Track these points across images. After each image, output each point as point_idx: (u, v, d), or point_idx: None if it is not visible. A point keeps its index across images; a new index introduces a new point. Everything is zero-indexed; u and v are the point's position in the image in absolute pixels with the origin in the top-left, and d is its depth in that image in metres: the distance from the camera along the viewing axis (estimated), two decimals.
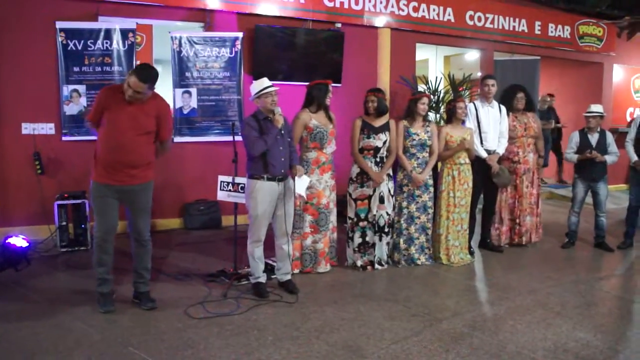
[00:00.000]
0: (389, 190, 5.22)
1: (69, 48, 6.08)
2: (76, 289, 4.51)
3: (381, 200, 5.17)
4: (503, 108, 5.95)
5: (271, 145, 4.33)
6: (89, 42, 6.14)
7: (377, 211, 5.17)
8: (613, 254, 6.12)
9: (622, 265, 5.77)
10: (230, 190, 4.71)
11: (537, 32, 9.23)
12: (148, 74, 3.85)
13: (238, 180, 4.65)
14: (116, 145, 3.90)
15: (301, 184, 4.50)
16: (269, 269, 4.74)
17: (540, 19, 9.24)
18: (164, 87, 7.96)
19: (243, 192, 4.60)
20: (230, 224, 6.76)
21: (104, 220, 3.99)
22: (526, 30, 9.10)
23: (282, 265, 4.62)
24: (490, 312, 4.28)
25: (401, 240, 5.39)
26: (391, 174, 5.28)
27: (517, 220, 6.19)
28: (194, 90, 6.69)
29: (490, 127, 5.81)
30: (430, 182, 5.40)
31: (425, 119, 5.42)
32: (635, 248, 6.32)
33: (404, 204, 5.36)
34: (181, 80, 6.64)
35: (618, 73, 10.71)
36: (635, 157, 6.07)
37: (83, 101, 6.15)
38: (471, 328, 3.92)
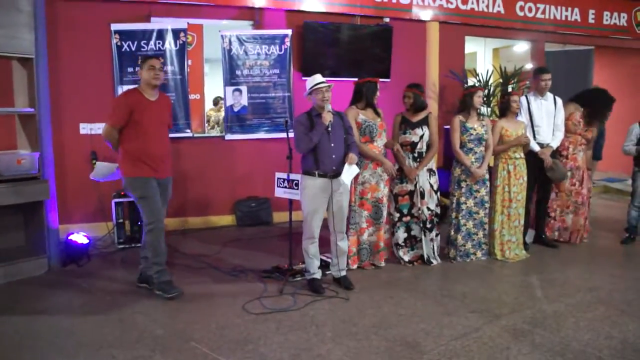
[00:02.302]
0: (431, 186, 5.15)
1: (123, 49, 6.24)
2: (134, 283, 4.62)
3: (422, 195, 5.11)
4: (559, 100, 5.78)
5: (321, 142, 4.33)
6: (142, 43, 6.28)
7: (419, 206, 5.12)
8: None
9: None
10: (285, 187, 4.74)
11: (590, 20, 8.92)
12: (153, 54, 4.63)
13: (293, 176, 4.67)
14: (152, 139, 4.27)
15: (348, 173, 4.39)
16: (324, 265, 4.74)
17: (594, 6, 8.92)
18: (215, 85, 8.19)
19: (297, 189, 4.62)
20: (281, 220, 6.88)
21: (157, 211, 4.31)
22: (579, 20, 8.80)
23: (337, 261, 4.62)
24: (549, 308, 4.16)
25: (459, 237, 5.31)
26: (434, 168, 5.20)
27: (553, 215, 6.04)
28: (244, 88, 6.76)
29: (544, 120, 5.66)
30: (487, 176, 5.30)
31: (479, 112, 5.32)
32: None
33: (462, 199, 5.27)
34: (232, 78, 6.72)
35: None
36: None
37: None
38: (531, 325, 3.84)
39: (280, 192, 4.83)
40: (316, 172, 4.38)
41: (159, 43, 6.31)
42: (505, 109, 5.45)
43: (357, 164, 4.44)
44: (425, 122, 5.09)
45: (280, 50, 6.80)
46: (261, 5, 6.75)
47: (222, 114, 8.66)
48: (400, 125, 5.15)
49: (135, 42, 6.25)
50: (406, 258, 5.21)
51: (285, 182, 4.74)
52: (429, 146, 5.11)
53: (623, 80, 10.24)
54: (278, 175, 4.84)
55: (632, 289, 4.63)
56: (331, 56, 7.04)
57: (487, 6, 7.98)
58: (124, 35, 6.22)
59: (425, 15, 7.61)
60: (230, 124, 6.80)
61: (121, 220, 5.90)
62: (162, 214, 4.39)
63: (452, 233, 5.35)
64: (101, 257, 5.56)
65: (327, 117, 4.34)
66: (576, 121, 5.87)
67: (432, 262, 5.21)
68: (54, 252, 5.07)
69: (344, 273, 4.64)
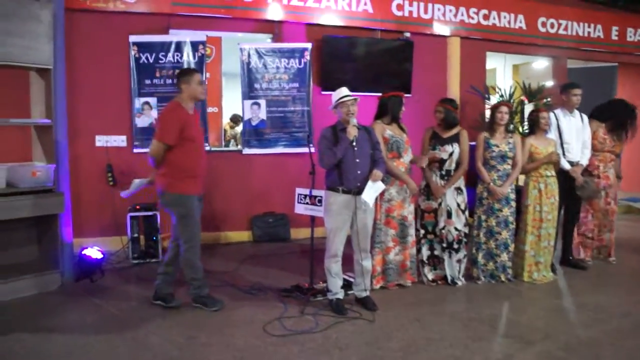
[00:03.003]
0: (459, 205, 4.96)
1: (141, 61, 6.16)
2: (149, 301, 4.46)
3: (449, 214, 4.93)
4: (585, 117, 5.63)
5: (345, 157, 4.18)
6: (160, 55, 6.20)
7: (444, 225, 4.94)
8: None
9: None
10: (307, 203, 4.58)
11: (614, 37, 8.76)
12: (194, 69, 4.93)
13: (315, 192, 4.51)
14: (200, 155, 4.28)
15: (371, 190, 4.17)
16: (346, 285, 4.56)
17: (618, 23, 8.77)
18: (233, 99, 8.06)
19: (320, 205, 4.46)
20: (299, 237, 6.73)
21: (198, 230, 4.28)
22: (602, 36, 8.65)
23: (360, 281, 4.44)
24: (584, 334, 3.95)
25: (480, 255, 5.13)
26: (462, 187, 5.02)
27: (590, 235, 5.86)
28: (262, 102, 6.65)
29: (573, 137, 5.49)
30: (512, 196, 5.10)
31: (507, 129, 5.15)
32: None
33: (483, 217, 5.10)
34: (250, 91, 6.61)
35: None
36: None
37: (154, 114, 6.19)
38: (567, 352, 3.64)
39: (300, 209, 4.67)
40: (340, 189, 4.22)
41: (177, 55, 6.23)
42: (534, 126, 5.29)
43: (383, 181, 4.28)
44: (455, 139, 4.93)
45: (300, 64, 6.70)
46: (280, 19, 6.66)
47: (239, 129, 8.62)
48: (430, 140, 4.98)
49: (154, 54, 6.17)
50: (430, 276, 5.03)
51: (307, 198, 4.59)
52: (457, 164, 4.94)
53: None
54: (299, 191, 4.69)
55: None
56: (351, 70, 6.92)
57: (509, 22, 7.86)
58: (142, 47, 6.14)
59: (446, 30, 7.50)
60: (248, 138, 6.67)
61: (136, 235, 5.75)
62: (200, 233, 4.35)
63: (474, 251, 5.16)
64: (115, 272, 5.40)
65: (352, 132, 4.19)
66: (601, 139, 5.69)
67: (456, 283, 5.02)
68: (67, 267, 4.94)
69: (367, 293, 4.46)
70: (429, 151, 4.94)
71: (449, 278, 5.01)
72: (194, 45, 6.25)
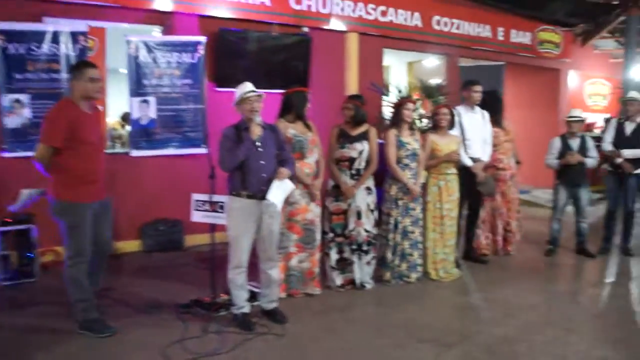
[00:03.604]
0: (368, 205, 4.80)
1: (9, 52, 5.36)
2: (26, 330, 3.85)
3: (358, 215, 4.76)
4: (486, 114, 5.71)
5: (249, 158, 3.83)
6: (32, 46, 5.44)
7: (354, 227, 4.76)
8: (595, 259, 5.97)
9: (609, 272, 5.57)
10: (207, 210, 4.17)
11: (500, 37, 9.14)
12: (91, 62, 4.11)
13: (216, 198, 4.12)
14: (96, 159, 3.84)
15: (278, 190, 3.82)
16: (251, 296, 4.21)
17: (503, 24, 9.16)
18: (119, 97, 7.33)
19: (222, 212, 4.08)
20: (195, 243, 6.28)
21: (85, 245, 3.76)
22: (490, 36, 8.99)
23: (268, 292, 4.12)
24: (499, 332, 3.93)
25: (394, 257, 4.98)
26: (372, 187, 4.87)
27: (509, 228, 6.02)
28: (152, 100, 6.09)
29: (475, 134, 5.55)
30: (421, 192, 5.04)
31: (411, 127, 5.06)
32: (613, 253, 6.20)
33: (399, 218, 4.95)
34: (138, 88, 6.02)
35: (573, 79, 10.82)
36: (624, 155, 5.89)
37: (27, 113, 5.44)
38: (488, 353, 3.58)
39: (198, 216, 4.26)
40: (244, 193, 3.87)
41: (53, 47, 5.51)
42: (436, 123, 5.25)
43: (291, 179, 3.96)
44: (365, 136, 4.74)
45: (193, 58, 6.22)
46: (171, 9, 6.12)
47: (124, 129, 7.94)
48: (338, 138, 4.75)
49: (24, 45, 5.40)
50: (338, 281, 4.81)
51: (207, 204, 4.18)
52: (367, 162, 4.76)
53: (535, 96, 10.62)
54: (195, 197, 4.28)
55: (568, 304, 4.60)
56: (247, 66, 6.54)
57: (405, 19, 7.89)
58: (10, 35, 5.34)
59: (345, 25, 7.35)
60: (136, 139, 6.09)
61: (6, 252, 5.00)
62: (90, 249, 3.79)
63: (389, 255, 4.98)
64: None
65: (256, 131, 3.85)
66: (493, 131, 5.80)
67: (365, 286, 4.85)
68: None
69: (275, 305, 4.15)
70: (338, 150, 4.72)
71: (358, 281, 4.83)
72: (74, 36, 5.57)
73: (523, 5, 9.26)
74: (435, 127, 5.26)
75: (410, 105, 4.99)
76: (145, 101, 6.07)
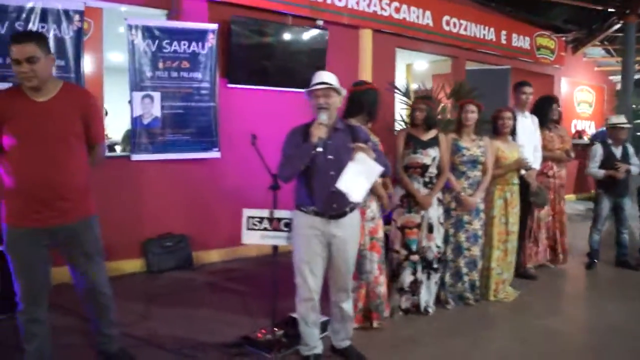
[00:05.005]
0: (438, 218, 4.21)
1: None
2: None
3: (430, 229, 4.15)
4: (535, 119, 5.27)
5: (317, 167, 3.05)
6: (17, 25, 4.47)
7: (425, 242, 4.15)
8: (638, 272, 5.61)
9: None
10: (265, 229, 3.40)
11: (503, 41, 8.80)
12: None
13: (279, 213, 3.36)
14: (36, 163, 2.71)
15: (353, 175, 2.87)
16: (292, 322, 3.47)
17: (506, 28, 8.84)
18: (119, 93, 6.23)
19: (287, 230, 3.34)
20: (206, 261, 5.53)
21: (30, 284, 2.82)
22: (494, 39, 8.63)
23: (340, 327, 3.39)
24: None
25: (447, 275, 4.41)
26: (442, 197, 4.28)
27: (556, 239, 5.59)
28: (156, 95, 5.22)
29: (527, 139, 5.08)
30: (482, 206, 4.46)
31: (476, 131, 4.49)
32: None
33: (452, 231, 4.39)
34: (141, 81, 5.15)
35: (564, 86, 10.68)
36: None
37: None
38: None
39: (254, 238, 3.46)
40: (310, 209, 3.12)
41: (42, 27, 4.56)
42: (497, 128, 4.72)
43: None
44: (436, 141, 4.13)
45: (203, 48, 5.39)
46: None
47: None
48: (407, 143, 4.11)
49: (7, 22, 4.43)
50: (404, 305, 4.18)
51: (266, 221, 3.42)
52: (439, 170, 4.16)
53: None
54: (249, 212, 3.48)
55: None
56: (263, 60, 5.82)
57: (418, 17, 7.36)
58: None
59: (360, 20, 6.72)
60: (137, 141, 5.19)
61: None
62: (42, 285, 2.85)
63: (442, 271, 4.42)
64: None
65: (316, 132, 2.96)
66: (549, 137, 5.37)
67: (428, 311, 4.23)
68: None
69: (349, 342, 3.43)
70: (409, 156, 4.08)
71: (423, 305, 4.21)
72: (68, 15, 4.64)
73: (524, 9, 8.98)
74: (496, 132, 4.72)
75: (471, 107, 4.42)
76: (148, 96, 5.19)
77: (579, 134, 10.86)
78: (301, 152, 3.02)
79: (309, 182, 3.09)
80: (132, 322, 3.91)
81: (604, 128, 7.03)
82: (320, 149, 2.97)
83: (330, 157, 3.05)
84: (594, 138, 10.22)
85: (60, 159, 2.76)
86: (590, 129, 11.37)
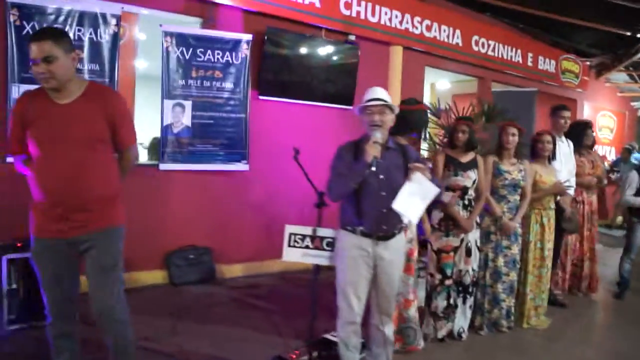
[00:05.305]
0: (476, 241, 4.11)
1: (24, 32, 4.31)
2: None
3: (468, 252, 4.04)
4: (571, 143, 5.17)
5: (368, 186, 2.94)
6: (54, 26, 4.41)
7: (463, 266, 4.04)
8: None
9: None
10: (307, 247, 3.30)
11: (529, 64, 8.73)
12: (39, 30, 2.74)
13: (322, 231, 3.26)
14: (53, 172, 2.55)
15: (409, 193, 2.78)
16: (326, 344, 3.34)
17: (532, 50, 8.77)
18: (145, 100, 6.15)
19: (330, 250, 3.23)
20: (228, 275, 5.43)
21: (54, 293, 2.68)
22: (521, 61, 8.56)
23: (380, 352, 3.26)
24: None
25: (485, 301, 4.29)
26: (479, 220, 4.17)
27: (582, 266, 5.48)
28: (188, 104, 5.14)
29: (563, 164, 4.97)
30: (520, 231, 4.36)
31: (517, 154, 4.39)
32: None
33: (491, 256, 4.28)
34: (173, 89, 5.07)
35: (587, 110, 10.59)
36: None
37: None
38: None
39: (295, 255, 3.37)
40: (358, 229, 3.01)
41: (79, 30, 4.50)
42: (535, 151, 4.62)
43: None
44: (475, 164, 4.05)
45: (237, 59, 5.33)
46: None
47: None
48: (447, 164, 4.02)
49: (44, 24, 4.35)
50: (441, 333, 4.04)
51: (308, 239, 3.31)
52: (477, 193, 4.07)
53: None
54: (291, 229, 3.38)
55: None
56: (297, 73, 5.74)
57: (448, 36, 7.30)
58: (27, 11, 4.31)
59: (391, 37, 6.66)
60: (166, 150, 5.11)
61: (14, 287, 3.90)
62: (67, 299, 2.71)
63: (479, 296, 4.31)
64: None
65: (371, 151, 2.90)
66: (579, 162, 5.26)
67: (461, 337, 4.11)
68: None
69: None
70: (450, 178, 3.98)
71: (457, 330, 4.09)
72: (106, 20, 4.58)
73: (549, 31, 8.91)
74: (535, 156, 4.62)
75: (511, 129, 4.32)
76: (180, 105, 5.11)
77: (602, 159, 10.74)
78: (354, 171, 2.92)
79: (358, 201, 2.98)
80: (157, 337, 3.79)
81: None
82: (373, 168, 2.86)
83: (381, 176, 2.95)
84: (615, 165, 10.13)
85: (83, 166, 2.57)
86: (610, 154, 11.26)
